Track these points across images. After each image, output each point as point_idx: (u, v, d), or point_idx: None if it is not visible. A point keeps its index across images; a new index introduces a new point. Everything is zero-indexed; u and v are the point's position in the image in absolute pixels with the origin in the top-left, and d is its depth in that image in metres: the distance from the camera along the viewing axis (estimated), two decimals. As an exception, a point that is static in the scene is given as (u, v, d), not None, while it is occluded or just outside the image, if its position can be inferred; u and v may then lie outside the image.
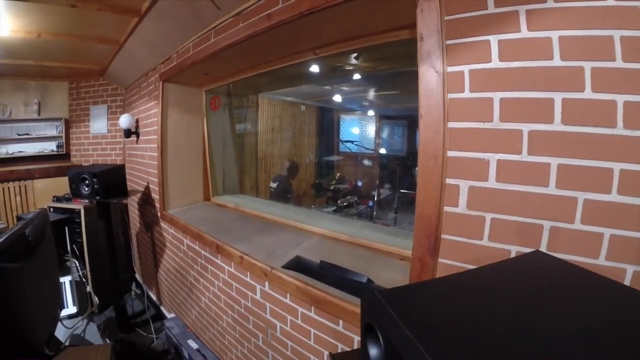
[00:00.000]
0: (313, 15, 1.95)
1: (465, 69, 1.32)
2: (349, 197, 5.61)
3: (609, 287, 0.86)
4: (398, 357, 0.67)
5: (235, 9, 2.51)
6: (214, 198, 4.35)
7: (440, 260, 1.41)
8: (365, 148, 7.79)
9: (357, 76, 4.22)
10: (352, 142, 7.76)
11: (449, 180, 1.37)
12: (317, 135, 8.14)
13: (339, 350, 1.92)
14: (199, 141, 4.26)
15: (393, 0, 1.73)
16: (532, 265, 1.01)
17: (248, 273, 2.60)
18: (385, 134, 8.22)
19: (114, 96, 6.08)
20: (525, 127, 1.20)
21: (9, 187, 5.75)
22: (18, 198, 5.81)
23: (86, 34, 4.00)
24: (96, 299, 3.14)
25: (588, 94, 1.11)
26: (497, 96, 1.25)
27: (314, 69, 3.36)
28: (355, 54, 3.01)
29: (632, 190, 1.07)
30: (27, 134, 6.05)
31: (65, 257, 3.55)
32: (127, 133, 4.71)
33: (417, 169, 1.47)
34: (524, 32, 1.20)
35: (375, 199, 5.60)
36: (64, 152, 6.26)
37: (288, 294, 2.23)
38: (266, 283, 2.41)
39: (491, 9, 1.26)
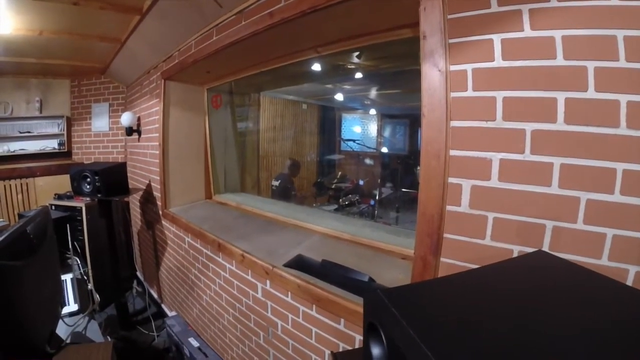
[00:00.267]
0: (315, 14, 1.95)
1: (468, 67, 1.31)
2: (350, 195, 5.61)
3: (611, 287, 0.86)
4: (401, 356, 0.67)
5: (238, 7, 2.51)
6: (215, 196, 4.35)
7: (442, 259, 1.41)
8: (367, 147, 7.79)
9: (359, 75, 4.21)
10: (353, 140, 7.76)
11: (451, 180, 1.37)
12: (318, 133, 8.13)
13: (341, 349, 1.92)
14: (201, 139, 4.26)
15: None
16: (534, 265, 1.00)
17: (249, 271, 2.60)
18: (387, 132, 8.22)
19: (115, 94, 6.09)
20: (528, 127, 1.20)
21: (10, 185, 5.75)
22: (20, 196, 5.82)
23: (88, 32, 4.00)
24: (97, 296, 3.13)
25: (591, 93, 1.10)
26: (500, 95, 1.24)
27: (316, 67, 3.35)
28: (357, 53, 3.01)
29: (635, 191, 1.06)
30: (29, 132, 6.07)
31: (67, 255, 3.55)
32: (129, 131, 4.71)
33: (419, 168, 1.47)
34: (527, 31, 1.20)
35: (377, 197, 5.59)
36: (66, 150, 6.27)
37: (289, 293, 2.23)
38: (267, 281, 2.41)
39: (494, 7, 1.26)
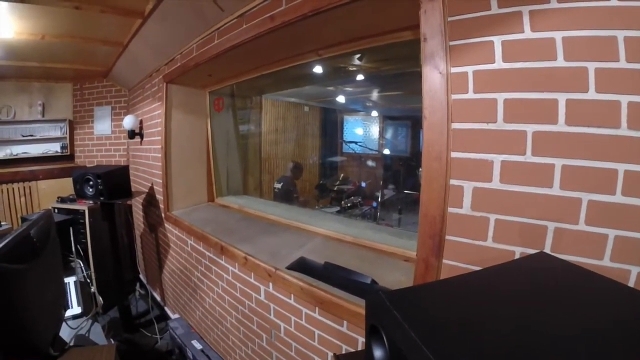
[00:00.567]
0: (316, 17, 1.96)
1: (469, 69, 1.32)
2: (352, 197, 5.60)
3: (613, 289, 0.86)
4: (403, 358, 0.68)
5: (239, 11, 2.52)
6: (218, 199, 4.35)
7: (444, 261, 1.41)
8: (369, 149, 7.79)
9: (360, 77, 4.22)
10: (355, 142, 7.76)
11: (453, 181, 1.37)
12: (320, 136, 8.13)
13: (343, 352, 1.92)
14: (203, 142, 4.27)
15: (396, 2, 1.73)
16: (536, 267, 1.01)
17: (252, 274, 2.60)
18: (388, 134, 8.22)
19: (117, 97, 6.10)
20: (529, 128, 1.20)
21: (13, 188, 5.79)
22: (22, 199, 5.85)
23: (90, 35, 4.01)
24: (100, 299, 3.14)
25: (592, 94, 1.10)
26: (501, 97, 1.24)
27: (318, 70, 3.36)
28: (358, 55, 3.02)
29: (636, 191, 1.07)
30: (32, 135, 6.08)
31: (70, 258, 3.56)
32: (131, 134, 4.72)
33: (421, 169, 1.47)
34: (528, 33, 1.20)
35: (379, 199, 5.59)
36: (68, 153, 6.29)
37: (292, 295, 2.23)
38: (270, 284, 2.42)
39: (494, 9, 1.26)
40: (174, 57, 3.64)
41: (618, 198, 1.09)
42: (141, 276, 5.61)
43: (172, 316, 4.27)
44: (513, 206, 1.25)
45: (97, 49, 4.48)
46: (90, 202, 4.40)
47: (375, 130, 8.26)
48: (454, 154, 1.36)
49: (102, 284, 4.19)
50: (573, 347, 0.65)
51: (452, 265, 1.39)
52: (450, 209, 1.38)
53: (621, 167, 1.08)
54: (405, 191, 5.68)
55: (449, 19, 1.36)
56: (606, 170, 1.10)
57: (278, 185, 5.38)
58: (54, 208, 4.75)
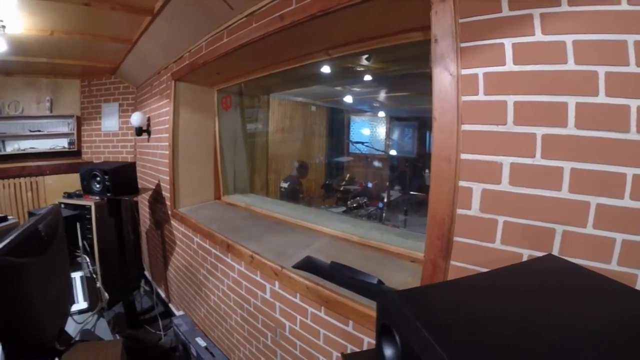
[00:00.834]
0: (325, 17, 1.96)
1: (479, 71, 1.32)
2: (358, 198, 5.61)
3: (620, 291, 0.87)
4: (415, 357, 0.68)
5: (248, 9, 2.53)
6: (224, 197, 4.37)
7: (452, 262, 1.41)
8: (376, 149, 7.79)
9: (368, 77, 4.23)
10: (362, 143, 7.76)
11: (462, 183, 1.37)
12: (327, 136, 8.14)
13: (348, 351, 1.93)
14: (210, 140, 4.29)
15: (407, 2, 1.73)
16: (544, 269, 1.01)
17: (258, 272, 2.61)
18: (395, 135, 8.22)
19: (125, 94, 6.13)
20: (539, 131, 1.20)
21: (20, 183, 5.84)
22: (29, 194, 5.90)
23: (99, 32, 4.04)
24: (106, 294, 3.16)
25: (602, 98, 1.11)
26: (511, 99, 1.25)
27: (326, 69, 3.37)
28: (366, 55, 3.02)
29: (645, 196, 1.07)
30: (39, 131, 6.14)
31: (77, 253, 3.58)
32: (139, 131, 4.74)
33: (427, 171, 1.47)
34: (538, 36, 1.20)
35: (385, 200, 5.59)
36: (75, 149, 6.35)
37: (298, 294, 2.24)
38: (276, 282, 2.43)
39: (505, 12, 1.26)
40: (182, 54, 3.66)
41: (626, 202, 1.09)
42: (146, 272, 5.64)
43: (177, 313, 4.29)
44: (521, 208, 1.25)
45: (106, 46, 4.50)
46: (97, 198, 4.42)
47: (382, 131, 8.27)
48: (463, 156, 1.37)
49: (107, 280, 4.22)
50: (580, 348, 0.65)
51: (460, 266, 1.39)
52: (459, 211, 1.39)
53: (630, 172, 1.08)
54: (412, 192, 5.68)
55: (460, 20, 1.36)
56: (615, 174, 1.10)
57: (284, 185, 5.39)
58: (61, 203, 4.78)
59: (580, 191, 1.15)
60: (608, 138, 1.10)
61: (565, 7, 1.15)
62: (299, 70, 3.14)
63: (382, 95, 6.88)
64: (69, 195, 5.02)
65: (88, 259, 3.70)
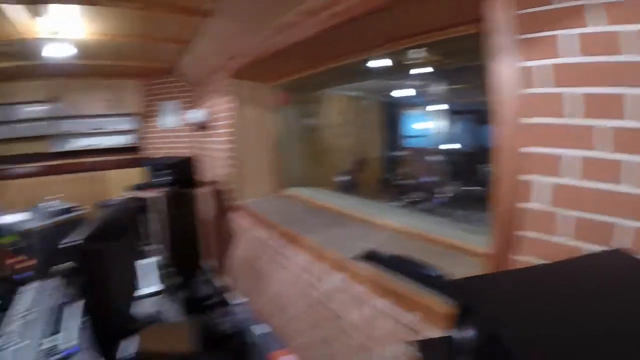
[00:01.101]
0: (385, 11, 1.96)
1: (542, 63, 1.30)
2: (414, 192, 5.57)
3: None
4: (496, 343, 0.69)
5: (304, 6, 2.55)
6: (284, 190, 4.47)
7: (517, 257, 1.40)
8: (431, 143, 7.68)
9: (423, 70, 4.19)
10: (418, 137, 7.68)
11: (524, 177, 1.36)
12: (382, 129, 8.07)
13: (410, 344, 1.92)
14: (269, 135, 4.41)
15: None
16: (612, 264, 0.99)
17: (321, 263, 2.65)
18: (453, 128, 8.07)
19: (183, 92, 6.33)
20: (607, 124, 1.16)
21: (85, 177, 6.31)
22: (94, 187, 6.31)
23: (156, 35, 4.17)
24: (171, 280, 3.29)
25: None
26: (576, 92, 1.21)
27: (381, 63, 3.37)
28: (422, 49, 2.99)
29: None
30: (101, 128, 6.49)
31: (144, 242, 3.74)
32: (198, 127, 4.88)
33: (486, 165, 1.46)
34: (604, 26, 1.16)
35: (444, 194, 5.53)
36: (136, 145, 6.68)
37: (361, 285, 2.25)
38: (340, 273, 2.45)
39: (567, 1, 1.23)
40: (239, 53, 3.74)
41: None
42: (208, 261, 5.78)
43: (237, 300, 4.39)
44: (590, 203, 1.22)
45: (163, 47, 4.65)
46: (161, 189, 4.58)
47: (438, 124, 8.14)
48: (525, 149, 1.35)
49: (173, 267, 4.37)
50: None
51: (525, 261, 1.38)
52: (523, 205, 1.37)
53: None
54: (470, 187, 5.58)
55: (519, 11, 1.34)
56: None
57: (341, 178, 5.42)
58: (126, 196, 4.99)
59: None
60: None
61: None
62: (352, 65, 3.15)
63: (437, 88, 6.78)
64: (134, 188, 5.23)
65: (154, 247, 3.85)
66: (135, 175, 5.98)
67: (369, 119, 7.63)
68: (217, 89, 4.65)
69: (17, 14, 3.18)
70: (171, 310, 2.74)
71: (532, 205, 1.35)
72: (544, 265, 1.01)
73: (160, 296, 2.76)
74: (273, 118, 4.37)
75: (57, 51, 3.83)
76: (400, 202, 5.41)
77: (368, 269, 2.17)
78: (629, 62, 1.11)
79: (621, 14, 1.12)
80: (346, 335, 2.45)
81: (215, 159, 4.84)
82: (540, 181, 1.32)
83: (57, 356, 1.94)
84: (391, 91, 7.39)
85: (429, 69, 4.19)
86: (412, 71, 4.27)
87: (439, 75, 5.61)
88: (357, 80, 5.18)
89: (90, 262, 1.68)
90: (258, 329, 3.28)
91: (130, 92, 6.57)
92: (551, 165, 1.29)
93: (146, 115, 6.66)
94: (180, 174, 3.91)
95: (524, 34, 1.34)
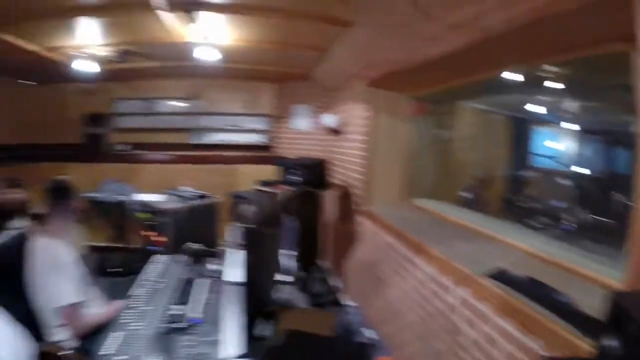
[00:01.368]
0: (529, 27, 1.95)
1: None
2: (542, 215, 5.36)
3: None
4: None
5: (446, 21, 2.52)
6: (411, 200, 4.53)
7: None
8: (563, 165, 7.31)
9: (556, 86, 4.05)
10: (548, 156, 7.33)
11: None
12: (510, 146, 7.83)
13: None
14: (401, 144, 4.50)
15: (607, 9, 1.64)
16: None
17: (446, 275, 2.64)
18: (587, 151, 7.62)
19: (316, 97, 6.56)
20: None
21: (217, 169, 6.96)
22: (225, 179, 6.90)
23: (295, 42, 4.48)
24: (299, 273, 3.49)
25: None
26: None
27: (514, 77, 3.34)
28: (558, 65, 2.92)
29: None
30: (236, 126, 7.11)
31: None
32: (331, 131, 5.07)
33: (619, 193, 1.41)
34: None
35: (573, 221, 5.27)
36: (266, 144, 7.20)
37: (485, 302, 2.20)
38: (464, 288, 2.42)
39: None
40: (376, 62, 3.84)
41: None
42: (326, 260, 5.92)
43: (349, 302, 4.48)
44: None
45: (301, 54, 4.94)
46: (289, 187, 4.80)
47: (570, 145, 7.73)
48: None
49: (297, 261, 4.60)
50: None
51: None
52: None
53: None
54: (598, 216, 5.26)
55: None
56: None
57: (465, 194, 5.37)
58: (255, 190, 5.34)
59: None
60: None
61: None
62: (487, 79, 3.13)
63: (570, 105, 6.47)
64: (263, 183, 5.52)
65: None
66: (263, 171, 6.34)
67: (497, 134, 7.43)
68: (351, 96, 4.80)
69: (171, 20, 3.57)
70: (299, 300, 3.00)
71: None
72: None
73: (292, 285, 3.00)
74: (406, 128, 4.45)
75: (204, 55, 4.20)
76: (526, 223, 5.24)
77: (494, 287, 2.13)
78: None
79: None
80: (463, 351, 2.41)
81: (346, 163, 4.99)
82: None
83: (182, 323, 2.22)
84: (521, 106, 7.16)
85: (564, 85, 4.05)
86: (544, 86, 4.16)
87: (574, 92, 5.38)
88: (489, 94, 5.11)
89: (259, 242, 2.09)
90: (367, 333, 3.34)
91: (265, 94, 7.11)
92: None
93: (279, 116, 7.10)
94: (313, 174, 4.11)
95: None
